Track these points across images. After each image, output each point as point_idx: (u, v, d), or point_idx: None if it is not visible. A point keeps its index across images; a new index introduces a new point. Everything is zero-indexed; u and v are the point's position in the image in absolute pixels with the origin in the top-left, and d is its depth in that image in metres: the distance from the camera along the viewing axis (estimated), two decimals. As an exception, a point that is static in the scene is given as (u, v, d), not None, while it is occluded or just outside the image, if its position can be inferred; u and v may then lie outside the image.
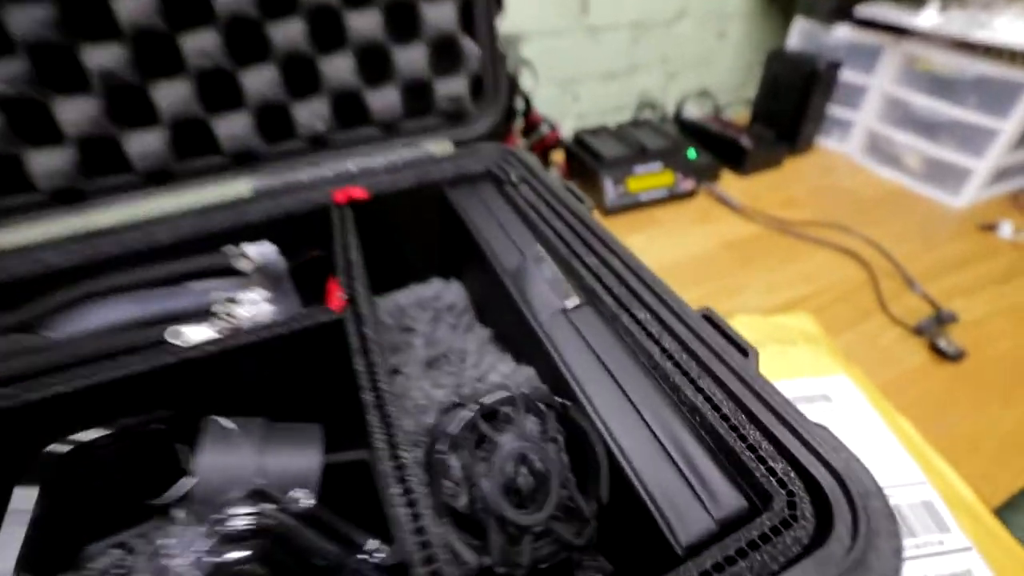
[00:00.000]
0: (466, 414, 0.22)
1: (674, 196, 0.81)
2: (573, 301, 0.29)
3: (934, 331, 0.60)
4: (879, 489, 0.19)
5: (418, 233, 0.44)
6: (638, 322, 0.28)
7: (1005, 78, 0.71)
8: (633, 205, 0.79)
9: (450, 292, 0.43)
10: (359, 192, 0.39)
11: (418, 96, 0.45)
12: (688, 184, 0.82)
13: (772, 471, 0.21)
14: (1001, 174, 0.80)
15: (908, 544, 0.38)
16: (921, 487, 0.42)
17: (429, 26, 0.43)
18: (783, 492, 0.20)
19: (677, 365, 0.25)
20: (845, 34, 0.89)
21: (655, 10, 0.98)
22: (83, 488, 0.25)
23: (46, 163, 0.37)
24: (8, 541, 0.20)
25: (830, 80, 0.87)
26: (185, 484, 0.25)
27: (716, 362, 0.25)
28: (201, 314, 0.30)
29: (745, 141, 0.87)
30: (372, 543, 0.26)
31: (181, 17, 0.37)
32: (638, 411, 0.24)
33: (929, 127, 0.82)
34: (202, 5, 0.37)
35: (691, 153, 0.85)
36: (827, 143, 0.98)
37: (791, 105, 0.90)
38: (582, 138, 0.83)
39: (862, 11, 0.86)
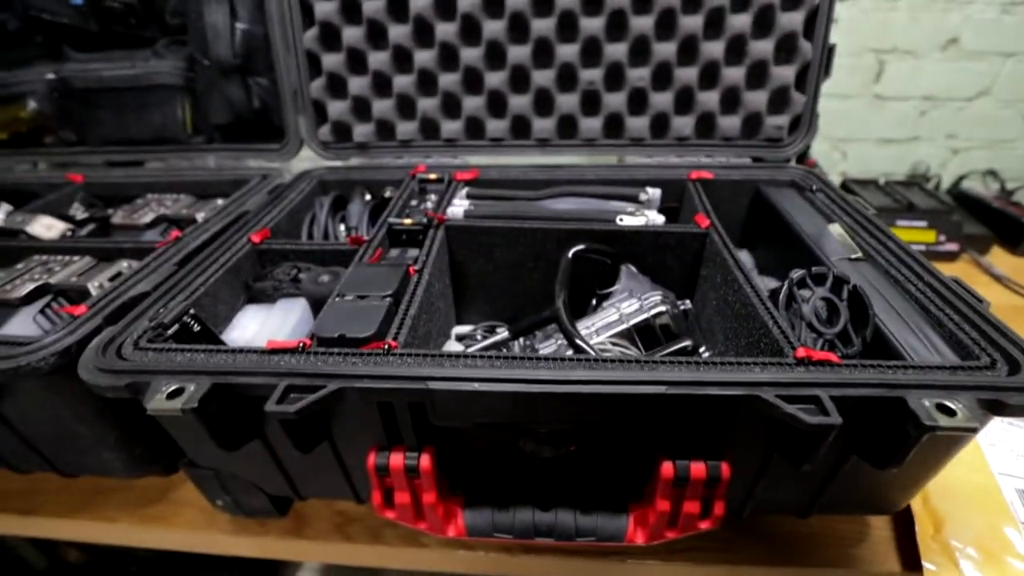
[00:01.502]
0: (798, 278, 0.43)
1: (933, 254, 0.88)
2: (856, 254, 0.47)
3: None
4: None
5: (731, 214, 0.65)
6: (903, 276, 0.45)
7: None
8: (886, 250, 0.89)
9: (741, 254, 0.64)
10: (706, 174, 0.62)
11: (753, 124, 0.66)
12: (951, 246, 0.88)
13: (982, 347, 0.37)
14: None
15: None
16: None
17: (775, 80, 0.65)
18: (986, 356, 0.36)
19: (927, 299, 0.42)
20: None
21: (953, 86, 1.03)
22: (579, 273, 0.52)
23: (494, 126, 0.70)
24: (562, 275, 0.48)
25: None
26: (617, 286, 0.51)
27: (958, 300, 0.41)
28: (622, 215, 0.57)
29: (1028, 220, 0.89)
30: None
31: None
32: (894, 309, 0.42)
33: None
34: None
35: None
36: None
37: (1097, 197, 0.88)
38: (849, 185, 0.95)
39: None
